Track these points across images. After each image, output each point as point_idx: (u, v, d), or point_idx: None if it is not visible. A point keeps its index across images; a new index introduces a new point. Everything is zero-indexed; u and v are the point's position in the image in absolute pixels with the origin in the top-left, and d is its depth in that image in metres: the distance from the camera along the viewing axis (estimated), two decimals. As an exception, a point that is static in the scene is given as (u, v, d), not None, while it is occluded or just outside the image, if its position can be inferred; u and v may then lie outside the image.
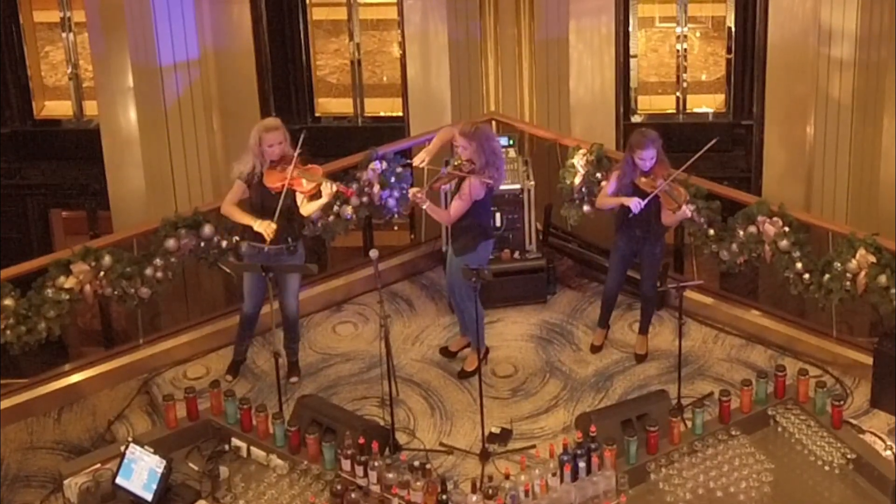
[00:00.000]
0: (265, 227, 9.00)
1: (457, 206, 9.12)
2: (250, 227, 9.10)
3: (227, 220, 9.66)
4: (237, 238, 9.86)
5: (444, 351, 9.86)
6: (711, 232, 10.11)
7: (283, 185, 8.97)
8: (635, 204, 9.13)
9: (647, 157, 9.16)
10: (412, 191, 9.09)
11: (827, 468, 8.32)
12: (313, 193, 9.05)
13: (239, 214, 9.19)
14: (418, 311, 10.52)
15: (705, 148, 9.15)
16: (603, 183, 10.14)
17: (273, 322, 9.00)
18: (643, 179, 9.19)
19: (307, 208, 9.11)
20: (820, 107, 11.93)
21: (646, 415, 8.53)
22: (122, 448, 8.29)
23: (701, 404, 8.67)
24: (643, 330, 9.86)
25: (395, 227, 12.14)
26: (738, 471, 8.27)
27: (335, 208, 10.42)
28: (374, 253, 8.78)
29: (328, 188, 8.98)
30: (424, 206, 9.00)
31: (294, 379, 9.65)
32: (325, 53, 14.00)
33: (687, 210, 9.21)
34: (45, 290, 9.45)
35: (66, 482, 8.36)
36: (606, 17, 12.51)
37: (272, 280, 8.88)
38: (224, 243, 10.04)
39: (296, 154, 8.98)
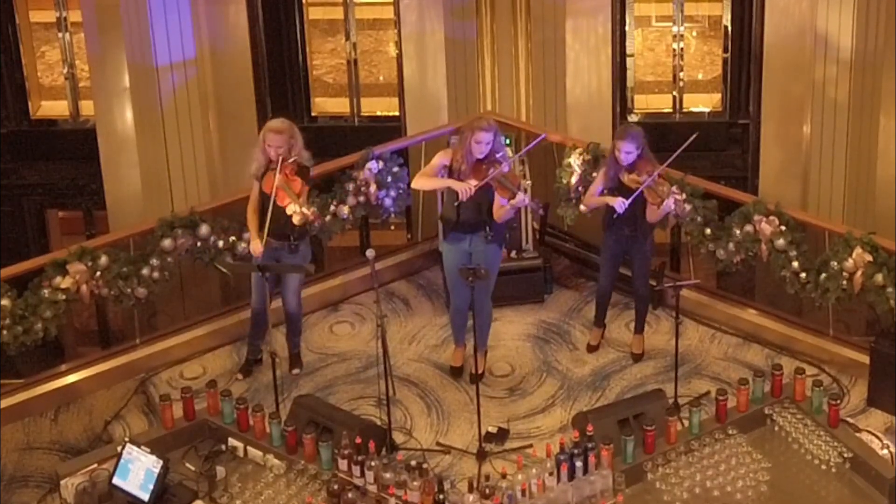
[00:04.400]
0: (253, 246, 9.15)
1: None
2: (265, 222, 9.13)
3: (223, 219, 9.81)
4: (233, 238, 9.89)
5: (454, 370, 9.77)
6: (708, 231, 10.11)
7: (270, 191, 9.03)
8: (619, 204, 9.13)
9: (625, 149, 9.15)
10: (522, 199, 8.98)
11: (824, 467, 8.32)
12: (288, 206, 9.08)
13: (251, 223, 9.27)
14: (415, 311, 10.52)
15: (688, 142, 9.13)
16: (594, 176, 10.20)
17: (270, 322, 9.01)
18: (628, 176, 9.19)
19: (294, 219, 9.11)
20: (816, 106, 11.93)
21: (642, 414, 8.53)
22: (119, 448, 8.29)
23: (698, 403, 8.67)
24: (639, 329, 9.86)
25: (392, 227, 12.12)
26: (734, 470, 8.27)
27: (332, 208, 10.42)
28: (370, 253, 8.77)
29: (294, 208, 8.97)
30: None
31: (296, 370, 9.69)
32: (322, 53, 13.99)
33: (670, 203, 9.20)
34: (42, 290, 9.46)
35: (62, 482, 8.35)
36: (603, 17, 12.51)
37: (270, 279, 8.91)
38: (220, 243, 10.05)
39: (281, 162, 8.97)
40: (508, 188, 8.98)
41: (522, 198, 8.97)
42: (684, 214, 10.04)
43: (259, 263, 9.01)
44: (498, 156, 9.06)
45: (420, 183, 9.26)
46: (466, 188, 8.93)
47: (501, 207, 9.07)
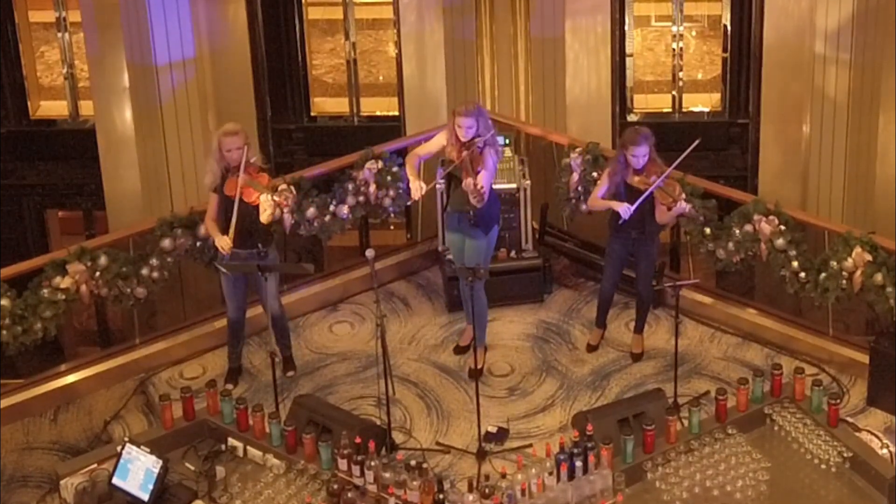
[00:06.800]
0: (221, 243, 9.02)
1: (488, 178, 9.10)
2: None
3: None
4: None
5: (458, 349, 9.84)
6: (708, 231, 10.11)
7: (235, 194, 8.96)
8: (625, 210, 9.11)
9: (639, 154, 9.14)
10: (470, 183, 8.91)
11: (823, 466, 8.32)
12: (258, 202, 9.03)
13: (211, 229, 9.17)
14: (414, 311, 10.52)
15: (691, 147, 9.13)
16: (594, 175, 10.20)
17: (270, 322, 9.01)
18: (636, 178, 9.18)
19: (262, 216, 9.06)
20: (816, 105, 11.94)
21: (642, 414, 8.53)
22: (119, 448, 8.29)
23: (697, 403, 8.67)
24: (639, 329, 9.86)
25: (392, 227, 12.13)
26: (734, 469, 8.27)
27: (331, 208, 10.42)
28: (370, 252, 8.77)
29: (267, 200, 8.94)
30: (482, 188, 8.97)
31: (290, 373, 9.67)
32: (321, 53, 13.99)
33: (684, 204, 9.20)
34: (42, 290, 9.45)
35: (62, 482, 8.35)
36: (602, 16, 12.52)
37: (244, 287, 8.91)
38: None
39: (243, 160, 8.94)
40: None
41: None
42: (695, 216, 10.03)
43: (259, 264, 9.00)
44: (479, 141, 9.04)
45: (407, 161, 9.38)
46: (416, 191, 9.05)
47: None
